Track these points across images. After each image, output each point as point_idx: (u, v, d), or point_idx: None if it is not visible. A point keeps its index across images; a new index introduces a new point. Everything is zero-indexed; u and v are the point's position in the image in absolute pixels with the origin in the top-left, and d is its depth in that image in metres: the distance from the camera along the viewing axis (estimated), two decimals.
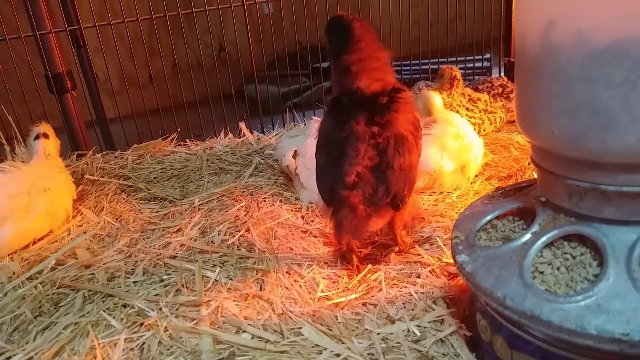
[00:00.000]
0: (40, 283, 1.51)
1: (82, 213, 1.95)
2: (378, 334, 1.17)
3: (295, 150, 1.97)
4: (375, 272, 1.42)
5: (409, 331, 1.17)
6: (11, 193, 1.70)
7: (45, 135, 1.97)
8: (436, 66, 3.06)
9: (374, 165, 1.28)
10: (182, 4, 2.50)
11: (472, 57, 3.31)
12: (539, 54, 0.94)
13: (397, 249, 1.51)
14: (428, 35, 2.97)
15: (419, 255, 1.48)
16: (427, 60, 3.09)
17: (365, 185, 1.27)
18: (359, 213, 1.27)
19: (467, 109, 2.38)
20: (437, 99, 2.01)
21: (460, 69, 3.26)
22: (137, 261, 1.59)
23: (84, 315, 1.35)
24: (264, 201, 1.91)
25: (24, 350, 1.24)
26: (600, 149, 0.89)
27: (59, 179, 1.89)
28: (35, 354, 1.23)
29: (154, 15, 2.49)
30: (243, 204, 1.89)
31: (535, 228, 1.02)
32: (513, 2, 2.95)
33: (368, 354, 1.12)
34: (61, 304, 1.42)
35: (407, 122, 1.34)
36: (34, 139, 1.96)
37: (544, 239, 0.98)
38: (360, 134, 1.29)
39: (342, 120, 1.33)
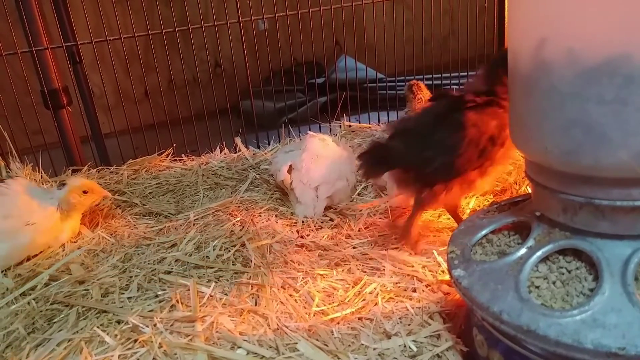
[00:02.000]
0: (34, 299, 1.50)
1: None
2: (374, 349, 1.17)
3: (291, 165, 1.98)
4: (370, 284, 1.42)
5: (405, 346, 1.17)
6: (3, 214, 1.70)
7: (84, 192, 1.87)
8: (430, 82, 3.09)
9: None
10: (178, 21, 2.52)
11: (465, 73, 3.34)
12: (532, 72, 0.95)
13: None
14: (422, 51, 3.01)
15: (415, 269, 1.48)
16: (422, 77, 3.12)
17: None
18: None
19: None
20: None
21: (454, 84, 3.30)
22: (131, 277, 1.58)
23: (77, 332, 1.34)
24: (260, 216, 1.91)
25: None
26: (593, 165, 0.90)
27: (52, 219, 1.80)
28: None
29: (150, 31, 2.50)
30: (238, 218, 1.89)
31: (530, 242, 1.02)
32: (505, 20, 2.99)
33: None
34: (55, 320, 1.41)
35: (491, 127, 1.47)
36: (59, 187, 1.87)
37: (539, 253, 0.98)
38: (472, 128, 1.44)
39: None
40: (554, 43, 0.90)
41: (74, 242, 1.87)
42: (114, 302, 1.45)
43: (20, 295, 1.53)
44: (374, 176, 1.50)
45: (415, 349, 1.16)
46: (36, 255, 1.77)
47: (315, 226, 1.82)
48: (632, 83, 0.83)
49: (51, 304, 1.47)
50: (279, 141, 2.77)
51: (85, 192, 1.87)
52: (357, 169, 1.51)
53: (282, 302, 1.38)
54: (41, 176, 2.36)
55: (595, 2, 0.84)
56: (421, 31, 2.95)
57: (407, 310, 1.30)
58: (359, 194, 2.04)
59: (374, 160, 1.48)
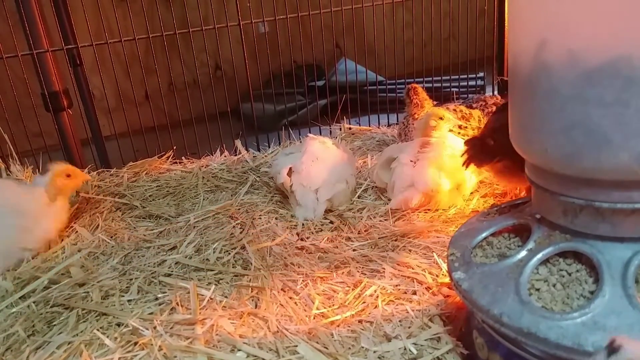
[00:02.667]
0: (34, 302, 1.50)
1: (76, 231, 1.94)
2: (374, 352, 1.17)
3: (291, 168, 1.97)
4: (370, 287, 1.42)
5: (405, 349, 1.17)
6: None
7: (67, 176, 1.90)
8: (430, 85, 3.09)
9: None
10: (178, 24, 2.52)
11: (465, 76, 3.35)
12: (532, 74, 0.95)
13: None
14: (422, 54, 3.01)
15: (415, 272, 1.47)
16: (422, 79, 3.12)
17: None
18: None
19: (460, 127, 2.40)
20: (432, 121, 2.04)
21: (454, 87, 3.30)
22: (131, 279, 1.58)
23: (77, 335, 1.34)
24: (260, 218, 1.91)
25: None
26: (594, 167, 0.90)
27: (40, 202, 1.81)
28: None
29: (150, 34, 2.50)
30: (239, 221, 1.88)
31: (530, 245, 1.02)
32: (505, 22, 2.99)
33: None
34: (55, 323, 1.40)
35: None
36: (42, 175, 1.88)
37: (539, 255, 0.98)
38: None
39: None
40: (554, 45, 0.90)
41: (74, 244, 1.86)
42: (114, 305, 1.45)
43: (19, 298, 1.53)
44: (477, 164, 1.57)
45: (415, 352, 1.16)
46: (34, 257, 1.77)
47: (315, 229, 1.82)
48: (633, 84, 0.83)
49: (51, 307, 1.47)
50: (279, 144, 2.77)
51: (68, 175, 1.90)
52: (462, 154, 1.54)
53: (282, 305, 1.38)
54: None
55: (596, 3, 0.85)
56: (421, 34, 2.95)
57: (407, 312, 1.30)
58: (359, 197, 2.04)
59: (481, 149, 1.52)
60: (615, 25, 0.83)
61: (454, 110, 2.48)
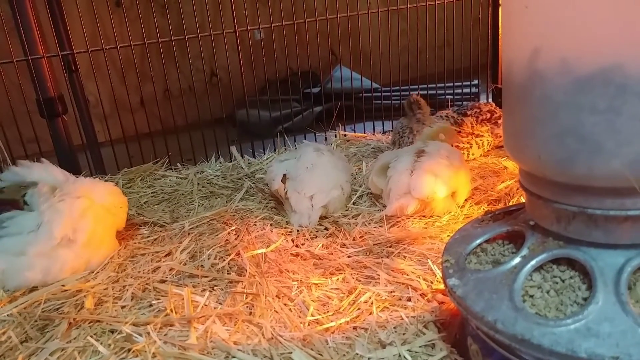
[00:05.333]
0: (25, 309, 1.49)
1: None
2: (369, 358, 1.17)
3: (285, 174, 1.98)
4: (365, 293, 1.42)
5: (400, 356, 1.17)
6: None
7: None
8: (425, 92, 3.11)
9: None
10: (174, 30, 2.52)
11: (460, 83, 3.36)
12: (525, 81, 0.96)
13: None
14: (417, 61, 3.03)
15: (410, 278, 1.48)
16: (417, 86, 3.14)
17: None
18: None
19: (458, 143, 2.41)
20: (441, 135, 2.13)
21: (449, 94, 3.32)
22: (125, 286, 1.57)
23: (71, 341, 1.33)
24: (255, 225, 1.91)
25: None
26: (587, 174, 0.91)
27: None
28: None
29: (146, 41, 2.51)
30: (233, 227, 1.88)
31: (524, 252, 1.02)
32: (499, 31, 3.02)
33: None
34: (47, 330, 1.39)
35: None
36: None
37: (533, 262, 0.98)
38: None
39: None
40: (547, 53, 0.91)
41: None
42: (108, 312, 1.44)
43: (12, 304, 1.52)
44: None
45: (410, 359, 1.15)
46: None
47: (310, 235, 1.82)
48: (625, 92, 0.84)
49: (43, 312, 1.46)
50: (275, 150, 2.77)
51: None
52: None
53: (276, 312, 1.38)
54: None
55: (588, 12, 0.85)
56: (416, 41, 2.97)
57: (402, 319, 1.30)
58: (353, 203, 2.04)
59: None
60: (608, 33, 0.84)
61: (446, 116, 2.50)
